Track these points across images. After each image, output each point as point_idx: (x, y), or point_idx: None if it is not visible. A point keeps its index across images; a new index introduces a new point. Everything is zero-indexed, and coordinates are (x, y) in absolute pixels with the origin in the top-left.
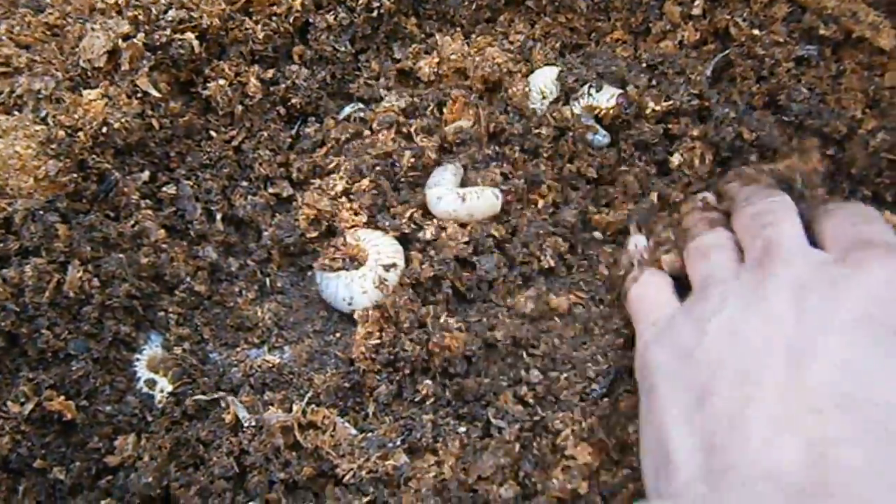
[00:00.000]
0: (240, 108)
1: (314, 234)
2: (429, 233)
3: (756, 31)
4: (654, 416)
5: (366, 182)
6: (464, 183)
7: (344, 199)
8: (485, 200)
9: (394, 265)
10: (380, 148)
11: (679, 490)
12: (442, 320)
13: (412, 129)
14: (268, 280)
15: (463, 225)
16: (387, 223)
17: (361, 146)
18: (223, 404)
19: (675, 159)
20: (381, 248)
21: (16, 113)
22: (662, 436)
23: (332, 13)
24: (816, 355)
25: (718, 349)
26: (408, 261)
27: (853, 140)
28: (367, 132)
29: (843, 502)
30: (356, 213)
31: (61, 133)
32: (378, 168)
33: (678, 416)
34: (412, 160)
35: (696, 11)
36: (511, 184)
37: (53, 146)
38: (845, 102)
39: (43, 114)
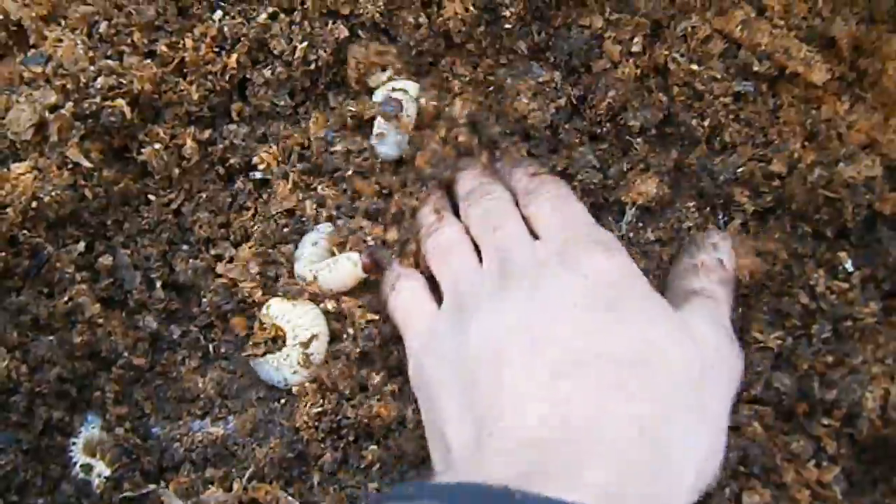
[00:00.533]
0: (177, 170)
1: (250, 300)
2: (329, 305)
3: (694, 67)
4: (434, 421)
5: (257, 248)
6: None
7: (243, 268)
8: (338, 273)
9: (314, 336)
10: (282, 204)
11: (454, 461)
12: (376, 383)
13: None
14: (211, 346)
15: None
16: (290, 291)
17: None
18: (159, 494)
19: None
20: (294, 321)
21: None
22: (443, 431)
23: (269, 68)
24: (555, 334)
25: (479, 348)
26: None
27: (793, 175)
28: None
29: (583, 446)
30: (254, 283)
31: None
32: (286, 228)
33: (454, 413)
34: (314, 208)
35: (635, 48)
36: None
37: None
38: (784, 136)
39: None
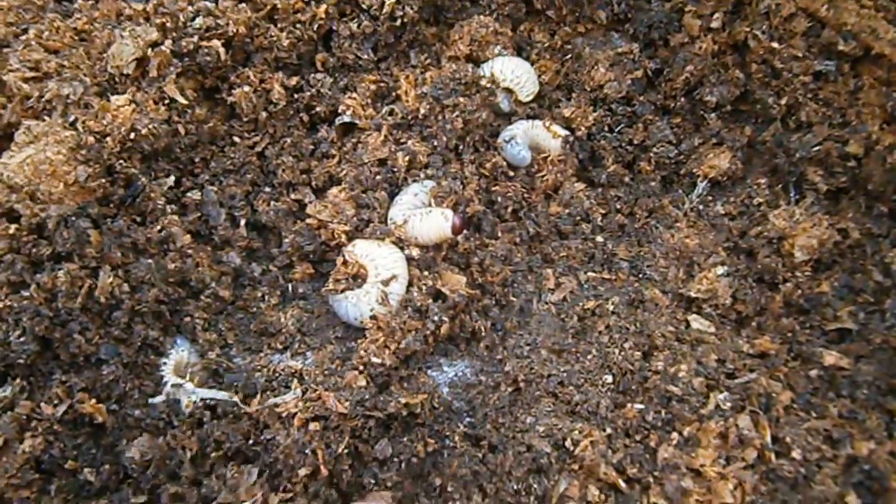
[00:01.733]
0: (264, 114)
1: (333, 243)
2: (414, 252)
3: (775, 45)
4: None
5: (348, 192)
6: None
7: (334, 210)
8: (429, 223)
9: (394, 277)
10: (375, 154)
11: None
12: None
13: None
14: (290, 286)
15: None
16: (378, 232)
17: (360, 153)
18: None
19: None
20: (378, 261)
21: (45, 118)
22: None
23: (355, 21)
24: None
25: None
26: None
27: (870, 156)
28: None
29: None
30: (345, 225)
31: (90, 139)
32: (378, 176)
33: None
34: (406, 161)
35: (715, 24)
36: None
37: (83, 152)
38: (863, 118)
39: (72, 119)
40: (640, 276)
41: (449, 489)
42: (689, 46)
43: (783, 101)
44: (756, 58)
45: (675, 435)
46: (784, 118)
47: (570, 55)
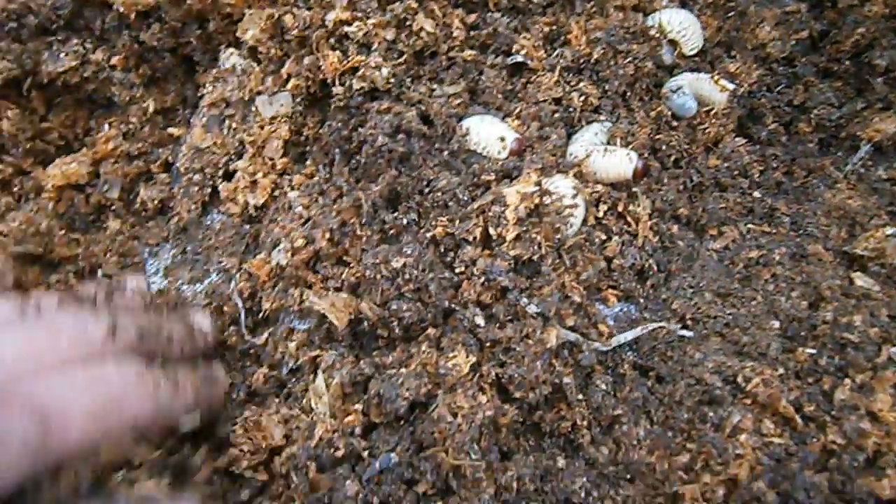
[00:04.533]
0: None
1: None
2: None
3: None
4: None
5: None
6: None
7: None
8: (612, 160)
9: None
10: (549, 93)
11: None
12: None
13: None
14: None
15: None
16: (561, 165)
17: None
18: None
19: None
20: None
21: None
22: None
23: None
24: None
25: None
26: None
27: None
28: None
29: None
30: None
31: None
32: (556, 114)
33: None
34: (581, 102)
35: None
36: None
37: None
38: None
39: None
40: (802, 231)
41: (618, 412)
42: (858, 9)
43: None
44: None
45: (847, 381)
46: None
47: (733, 12)
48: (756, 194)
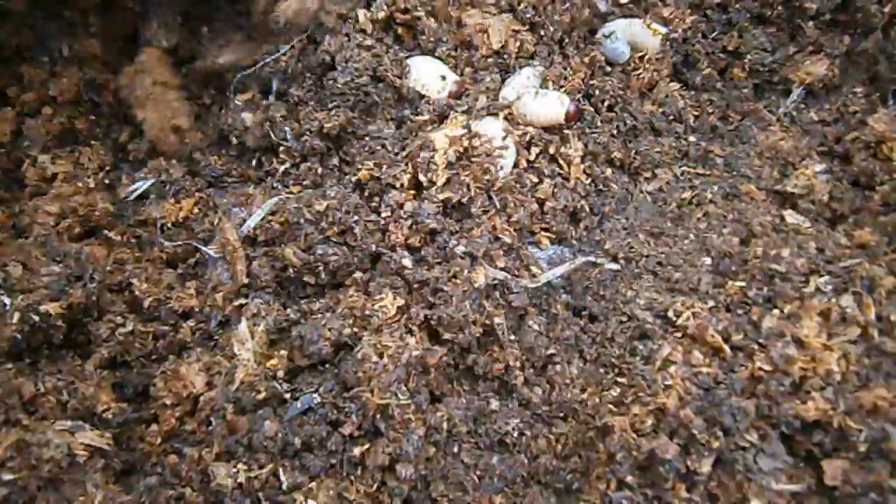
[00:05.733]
0: None
1: None
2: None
3: None
4: None
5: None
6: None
7: None
8: (544, 103)
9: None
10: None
11: None
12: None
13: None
14: None
15: None
16: (491, 107)
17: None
18: None
19: None
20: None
21: None
22: None
23: None
24: None
25: None
26: None
27: None
28: None
29: None
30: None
31: None
32: (489, 59)
33: None
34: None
35: None
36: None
37: None
38: None
39: None
40: (735, 172)
41: (551, 352)
42: None
43: (887, 10)
44: None
45: (776, 311)
46: (885, 28)
47: None
48: (691, 138)
